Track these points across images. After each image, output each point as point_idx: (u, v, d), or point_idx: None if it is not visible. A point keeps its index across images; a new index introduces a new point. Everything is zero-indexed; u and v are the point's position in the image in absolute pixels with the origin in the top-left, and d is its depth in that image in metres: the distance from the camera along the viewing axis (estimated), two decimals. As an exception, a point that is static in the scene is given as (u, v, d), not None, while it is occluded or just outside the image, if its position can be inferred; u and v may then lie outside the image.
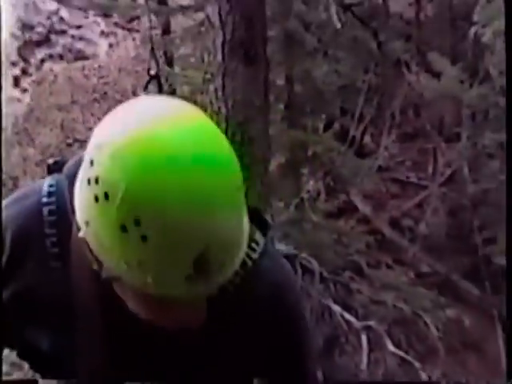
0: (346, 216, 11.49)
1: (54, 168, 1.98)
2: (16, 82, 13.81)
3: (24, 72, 13.89)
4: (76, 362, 2.02)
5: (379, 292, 9.95)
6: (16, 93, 13.72)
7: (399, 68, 11.56)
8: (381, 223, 11.89)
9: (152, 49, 8.85)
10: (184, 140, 1.66)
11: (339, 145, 10.87)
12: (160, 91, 8.93)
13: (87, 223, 1.71)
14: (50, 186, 1.95)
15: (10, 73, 13.90)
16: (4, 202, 2.06)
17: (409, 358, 8.75)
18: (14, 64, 13.94)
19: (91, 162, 1.69)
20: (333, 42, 10.77)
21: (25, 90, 13.63)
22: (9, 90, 13.73)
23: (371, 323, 8.74)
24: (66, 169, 1.99)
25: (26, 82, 13.80)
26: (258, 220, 2.01)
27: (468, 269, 12.49)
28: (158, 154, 1.62)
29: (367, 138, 11.86)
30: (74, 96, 12.86)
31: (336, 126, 11.31)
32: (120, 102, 1.76)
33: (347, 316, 8.51)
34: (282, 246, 8.44)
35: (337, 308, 8.63)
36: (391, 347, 8.61)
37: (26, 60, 13.92)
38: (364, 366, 8.89)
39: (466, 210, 12.17)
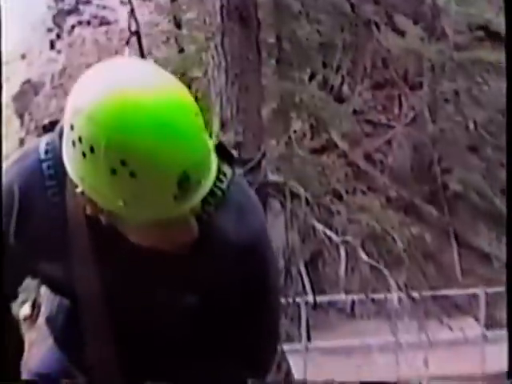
0: (327, 152, 11.53)
1: (49, 128, 1.92)
2: (52, 45, 13.77)
3: (58, 36, 13.86)
4: (87, 293, 2.06)
5: (355, 213, 10.04)
6: (52, 54, 13.67)
7: (370, 28, 11.55)
8: (356, 157, 11.95)
9: (132, 10, 8.61)
10: (145, 88, 1.66)
11: (321, 93, 10.88)
12: (140, 46, 8.78)
13: (82, 179, 1.71)
14: (47, 144, 1.91)
15: (47, 38, 13.86)
16: (7, 163, 2.04)
17: (379, 266, 8.82)
18: (49, 30, 13.90)
19: (71, 127, 1.69)
20: (314, 6, 10.76)
21: (59, 52, 13.59)
22: (46, 52, 13.69)
23: (348, 238, 8.80)
24: (58, 128, 1.93)
25: (59, 45, 13.78)
26: (224, 154, 1.95)
27: (428, 194, 12.57)
28: (128, 104, 1.63)
29: (344, 87, 11.84)
30: (99, 55, 12.81)
31: (318, 77, 11.30)
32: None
33: (328, 233, 8.56)
34: (274, 177, 8.45)
35: (320, 226, 8.68)
36: (365, 257, 8.69)
37: (59, 26, 13.89)
38: (342, 273, 8.99)
39: (426, 146, 12.21)
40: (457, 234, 12.70)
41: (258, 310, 2.16)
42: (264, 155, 6.44)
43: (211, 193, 1.80)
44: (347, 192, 11.11)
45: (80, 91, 1.70)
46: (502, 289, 11.27)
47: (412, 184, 12.35)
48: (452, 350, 10.00)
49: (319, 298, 10.68)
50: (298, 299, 10.13)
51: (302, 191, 8.51)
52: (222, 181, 1.88)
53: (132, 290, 2.01)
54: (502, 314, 12.34)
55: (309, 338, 10.52)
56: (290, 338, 10.54)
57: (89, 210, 1.79)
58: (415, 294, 8.88)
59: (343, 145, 11.79)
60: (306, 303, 10.31)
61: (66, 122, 1.70)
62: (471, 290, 11.79)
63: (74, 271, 1.99)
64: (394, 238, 9.40)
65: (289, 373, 10.72)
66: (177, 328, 2.16)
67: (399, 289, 8.81)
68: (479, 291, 11.35)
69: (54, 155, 1.86)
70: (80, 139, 1.64)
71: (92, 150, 1.62)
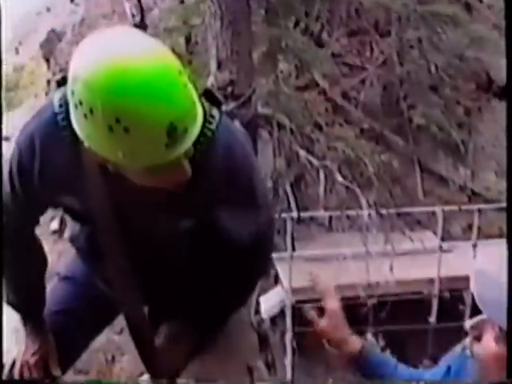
0: (310, 89, 11.38)
1: (62, 82, 1.90)
2: (72, -1, 13.52)
3: (77, -9, 13.57)
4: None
5: (333, 142, 9.95)
6: (72, 7, 13.41)
7: (345, -17, 11.41)
8: (335, 94, 11.83)
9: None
10: (133, 55, 1.69)
11: (304, 38, 10.67)
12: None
13: (87, 137, 1.77)
14: (60, 98, 1.88)
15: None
16: (29, 119, 2.09)
17: (353, 187, 8.73)
18: (69, -14, 13.64)
19: (72, 92, 1.73)
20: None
21: (78, 5, 13.30)
22: (68, 5, 13.48)
23: (327, 163, 8.66)
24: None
25: (78, -1, 13.50)
26: (212, 99, 1.99)
27: (396, 126, 12.48)
28: (118, 70, 1.66)
29: (324, 34, 11.65)
30: (113, 7, 12.56)
31: (301, 24, 11.07)
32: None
33: (310, 158, 8.42)
34: (263, 110, 8.36)
35: (302, 153, 8.54)
36: (340, 179, 8.57)
37: (78, -19, 13.60)
38: (321, 193, 8.91)
39: (394, 85, 12.12)
40: (420, 160, 12.65)
41: (249, 223, 2.22)
42: (254, 91, 6.39)
43: (202, 134, 1.88)
44: (327, 124, 10.98)
45: (77, 60, 1.73)
46: (456, 208, 11.37)
47: (382, 118, 12.24)
48: (413, 258, 10.01)
49: (302, 214, 10.68)
50: (284, 215, 10.12)
51: (287, 122, 8.38)
52: (211, 122, 1.92)
53: (137, 218, 2.10)
54: (456, 229, 12.38)
55: (293, 248, 10.52)
56: (277, 249, 10.52)
57: (98, 159, 1.85)
58: (383, 211, 8.82)
59: (323, 83, 11.63)
60: (291, 218, 10.28)
61: (68, 88, 1.76)
62: (431, 208, 11.78)
63: (89, 205, 2.08)
64: (365, 164, 9.29)
65: (277, 277, 10.77)
66: (178, 247, 2.25)
67: (369, 206, 8.80)
68: (437, 209, 11.31)
69: (67, 108, 1.85)
70: (81, 103, 1.70)
71: (91, 111, 1.68)
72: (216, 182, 2.08)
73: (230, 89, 6.09)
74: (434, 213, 11.61)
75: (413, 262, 10.01)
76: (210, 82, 6.27)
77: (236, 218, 2.21)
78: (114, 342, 8.14)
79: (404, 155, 12.57)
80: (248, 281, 2.47)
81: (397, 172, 12.31)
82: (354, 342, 2.14)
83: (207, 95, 1.97)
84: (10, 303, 2.39)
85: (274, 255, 10.65)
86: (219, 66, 6.24)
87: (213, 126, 1.94)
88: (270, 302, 10.29)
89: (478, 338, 1.75)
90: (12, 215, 2.12)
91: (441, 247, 10.75)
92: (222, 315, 2.50)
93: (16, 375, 2.44)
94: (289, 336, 10.30)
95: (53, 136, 1.96)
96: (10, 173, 2.06)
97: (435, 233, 11.48)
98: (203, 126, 1.90)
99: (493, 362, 1.70)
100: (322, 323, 2.08)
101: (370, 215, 8.55)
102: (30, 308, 2.44)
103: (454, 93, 11.88)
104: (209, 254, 2.32)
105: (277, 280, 10.82)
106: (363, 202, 8.73)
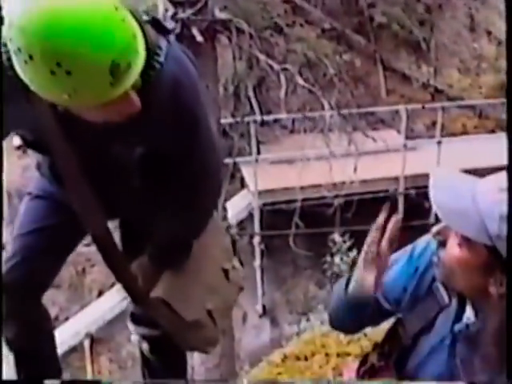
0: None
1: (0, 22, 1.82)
2: None
3: None
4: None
5: (293, 44, 9.81)
6: None
7: None
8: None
9: None
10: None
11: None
12: None
13: (30, 81, 1.73)
14: (3, 37, 1.80)
15: None
16: None
17: (314, 89, 8.67)
18: None
19: (10, 39, 1.68)
20: None
21: None
22: None
23: (288, 66, 8.53)
24: None
25: None
26: (159, 28, 1.98)
27: (357, 25, 12.36)
28: (54, 13, 1.63)
29: None
30: None
31: None
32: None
33: (270, 62, 8.28)
34: (221, 15, 8.17)
35: (262, 57, 8.40)
36: (302, 82, 8.49)
37: None
38: (283, 96, 8.84)
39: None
40: (382, 59, 12.57)
41: (192, 149, 2.20)
42: None
43: (150, 66, 1.89)
44: (287, 25, 10.83)
45: (11, 6, 1.68)
46: (419, 106, 11.38)
47: (343, 17, 12.07)
48: (377, 157, 10.07)
49: (265, 117, 10.64)
50: (247, 119, 10.08)
51: (245, 26, 8.16)
52: (158, 54, 1.92)
53: (92, 148, 2.10)
54: (419, 127, 12.44)
55: (258, 152, 10.54)
56: (242, 153, 10.54)
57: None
58: (345, 111, 8.79)
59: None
60: (255, 122, 10.24)
61: (3, 36, 1.73)
62: (394, 107, 11.78)
63: (42, 138, 2.10)
64: (326, 65, 9.19)
65: (242, 181, 10.83)
66: (135, 171, 2.25)
67: (331, 108, 8.76)
68: (401, 108, 11.32)
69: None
70: (19, 49, 1.66)
71: (31, 57, 1.64)
72: (165, 112, 2.06)
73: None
74: (397, 111, 11.62)
75: (377, 161, 10.06)
76: None
77: (181, 144, 2.20)
78: (83, 254, 8.19)
79: (366, 54, 12.49)
80: (200, 204, 2.46)
81: (359, 71, 12.27)
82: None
83: (155, 24, 1.95)
84: None
85: (240, 159, 10.73)
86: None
87: (161, 58, 1.94)
88: (237, 206, 10.38)
89: (443, 244, 1.77)
90: None
91: (405, 145, 10.81)
92: (184, 238, 2.50)
93: None
94: (257, 239, 10.45)
95: (9, 86, 1.89)
96: None
97: (399, 131, 11.52)
98: (150, 58, 1.89)
99: (456, 265, 1.72)
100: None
101: (331, 116, 8.51)
102: None
103: (415, -12, 11.75)
104: (163, 177, 2.32)
105: (243, 184, 10.88)
106: (325, 103, 8.65)
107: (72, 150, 2.14)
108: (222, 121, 9.90)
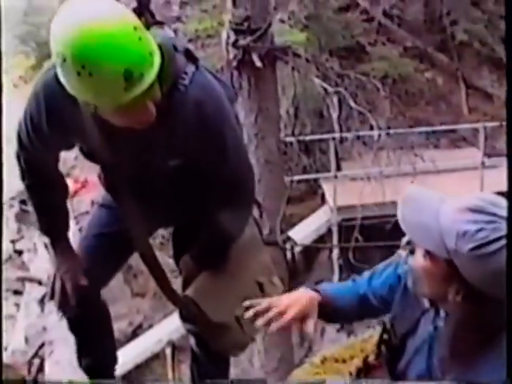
0: (351, 10, 11.26)
1: None
2: None
3: None
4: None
5: (376, 62, 9.92)
6: None
7: None
8: (377, 13, 11.64)
9: None
10: (95, 18, 2.02)
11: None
12: None
13: (66, 82, 2.10)
14: None
15: None
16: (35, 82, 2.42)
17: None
18: None
19: (54, 49, 2.06)
20: None
21: None
22: None
23: (340, 88, 8.33)
24: None
25: None
26: (189, 56, 2.33)
27: (439, 43, 12.29)
28: (84, 28, 1.99)
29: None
30: None
31: None
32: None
33: (325, 85, 8.12)
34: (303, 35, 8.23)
35: (317, 80, 8.25)
36: (353, 104, 8.25)
37: None
38: (335, 118, 8.71)
39: (436, 1, 11.90)
40: (464, 77, 12.46)
41: (222, 162, 2.45)
42: (270, 25, 6.37)
43: (175, 88, 2.26)
44: (370, 44, 10.93)
45: (56, 20, 2.06)
46: (497, 124, 11.22)
47: (425, 35, 12.03)
48: (456, 175, 9.99)
49: (344, 134, 10.59)
50: (326, 136, 10.14)
51: (302, 52, 8.08)
52: (183, 78, 2.27)
53: (130, 159, 2.42)
54: (502, 145, 12.27)
55: (338, 168, 10.55)
56: (323, 169, 10.64)
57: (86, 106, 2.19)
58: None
59: (364, 2, 11.46)
60: (333, 139, 10.19)
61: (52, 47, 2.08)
62: (473, 125, 11.64)
63: (90, 146, 2.44)
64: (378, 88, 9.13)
65: (323, 197, 10.88)
66: (172, 181, 2.52)
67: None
68: (479, 126, 11.19)
69: None
70: (58, 54, 2.04)
71: (64, 60, 2.02)
72: (188, 130, 2.33)
73: (246, 24, 6.12)
74: (478, 129, 11.50)
75: (456, 179, 9.96)
76: (227, 18, 6.27)
77: (211, 158, 2.45)
78: (168, 264, 8.41)
79: (448, 72, 12.40)
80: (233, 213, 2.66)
81: (442, 89, 12.20)
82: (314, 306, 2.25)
83: (186, 53, 2.31)
84: (40, 229, 2.75)
85: (320, 175, 10.81)
86: (234, 3, 6.24)
87: (185, 82, 2.28)
88: (317, 221, 10.44)
89: (412, 252, 1.92)
90: (33, 156, 2.51)
91: (483, 163, 10.69)
92: (222, 241, 2.72)
93: (57, 290, 2.71)
94: (335, 253, 10.46)
95: (54, 92, 2.24)
96: (26, 126, 2.40)
97: (479, 149, 11.40)
98: (176, 81, 2.26)
99: (421, 273, 1.87)
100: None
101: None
102: (56, 231, 2.73)
103: (497, 7, 11.54)
104: (199, 187, 2.57)
105: (323, 200, 10.93)
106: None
107: (116, 163, 2.46)
108: (307, 138, 10.02)
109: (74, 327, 2.89)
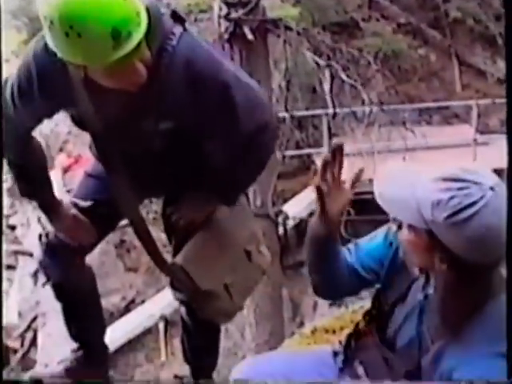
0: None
1: None
2: None
3: None
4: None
5: (369, 38, 9.88)
6: None
7: None
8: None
9: None
10: None
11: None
12: None
13: (55, 46, 2.11)
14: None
15: None
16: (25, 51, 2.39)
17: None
18: None
19: (42, 14, 2.08)
20: None
21: None
22: None
23: (332, 62, 8.27)
24: None
25: None
26: (176, 17, 2.33)
27: (433, 20, 12.28)
28: None
29: None
30: None
31: None
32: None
33: (317, 59, 8.04)
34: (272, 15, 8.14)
35: (309, 54, 8.16)
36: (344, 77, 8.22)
37: None
38: (327, 94, 8.65)
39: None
40: (457, 54, 12.46)
41: (234, 108, 2.37)
42: None
43: (163, 48, 2.26)
44: (363, 20, 10.88)
45: None
46: (489, 101, 11.23)
47: (418, 12, 12.01)
48: (448, 152, 10.00)
49: (338, 110, 10.58)
50: (319, 112, 10.13)
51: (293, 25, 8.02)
52: (171, 39, 2.27)
53: (120, 123, 2.39)
54: (494, 122, 12.28)
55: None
56: (317, 145, 10.66)
57: (74, 70, 2.22)
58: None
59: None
60: (326, 114, 10.08)
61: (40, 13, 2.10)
62: (465, 102, 11.66)
63: (81, 113, 2.42)
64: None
65: (316, 173, 10.86)
66: (161, 146, 2.47)
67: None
68: (472, 103, 11.22)
69: None
70: (45, 18, 2.06)
71: (52, 22, 2.04)
72: (179, 89, 2.31)
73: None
74: (470, 106, 11.53)
75: (447, 156, 9.98)
76: None
77: (219, 109, 2.39)
78: (160, 239, 8.42)
79: (441, 49, 12.40)
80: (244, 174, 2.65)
81: (435, 66, 12.20)
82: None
83: (172, 14, 2.33)
84: (25, 195, 2.73)
85: (312, 151, 10.82)
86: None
87: (173, 42, 2.28)
88: (310, 197, 10.45)
89: (400, 227, 1.97)
90: (13, 125, 2.44)
91: (475, 140, 10.71)
92: (240, 180, 2.69)
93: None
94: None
95: (45, 60, 2.25)
96: (12, 94, 2.38)
97: (471, 126, 11.43)
98: (164, 42, 2.26)
99: (407, 245, 1.93)
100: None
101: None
102: (42, 194, 2.68)
103: (490, -16, 11.57)
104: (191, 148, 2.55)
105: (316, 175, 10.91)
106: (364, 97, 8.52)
107: (106, 129, 2.44)
108: (299, 113, 9.99)
109: (59, 293, 2.88)
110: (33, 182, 2.66)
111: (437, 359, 1.87)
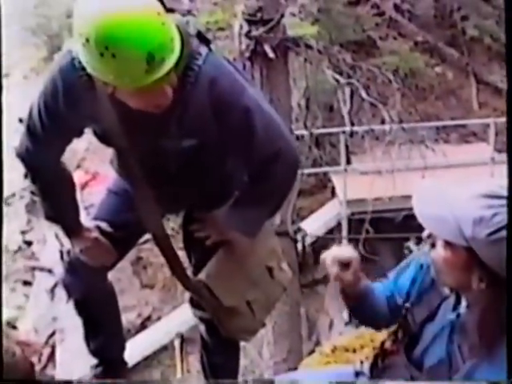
0: (361, 4, 11.23)
1: None
2: None
3: None
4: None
5: (387, 56, 9.88)
6: None
7: None
8: (387, 8, 11.63)
9: None
10: (120, 4, 2.04)
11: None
12: None
13: (86, 63, 2.12)
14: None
15: None
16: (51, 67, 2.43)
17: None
18: None
19: (77, 31, 2.09)
20: None
21: None
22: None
23: (352, 80, 8.28)
24: None
25: None
26: (202, 38, 2.35)
27: (450, 38, 12.29)
28: (110, 13, 2.01)
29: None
30: None
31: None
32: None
33: (337, 76, 8.06)
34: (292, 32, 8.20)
35: (329, 72, 8.18)
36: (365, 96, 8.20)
37: None
38: (346, 112, 8.66)
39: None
40: (474, 72, 12.45)
41: (252, 133, 2.41)
42: (282, 16, 6.38)
43: (189, 68, 2.29)
44: (380, 38, 10.90)
45: (79, 8, 2.08)
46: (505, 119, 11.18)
47: (435, 30, 12.01)
48: (466, 170, 9.97)
49: (355, 128, 10.57)
50: (337, 129, 10.10)
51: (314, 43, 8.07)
52: (197, 59, 2.30)
53: (145, 141, 2.42)
54: (512, 140, 12.23)
55: (348, 162, 10.52)
56: (334, 163, 10.63)
57: (101, 86, 2.21)
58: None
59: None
60: (344, 132, 10.11)
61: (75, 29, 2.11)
62: (483, 120, 11.61)
63: (106, 129, 2.43)
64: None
65: (333, 191, 10.87)
66: (184, 164, 2.50)
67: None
68: (490, 121, 11.17)
69: None
70: (81, 35, 2.06)
71: (87, 40, 2.03)
72: (203, 107, 2.35)
73: (258, 14, 6.12)
74: (488, 124, 11.50)
75: (465, 174, 9.95)
76: (240, 9, 6.29)
77: (235, 137, 2.45)
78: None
79: (458, 67, 12.39)
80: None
81: (452, 84, 12.19)
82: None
83: (198, 35, 2.35)
84: (49, 219, 2.73)
85: (329, 169, 10.79)
86: (247, -7, 6.25)
87: (199, 62, 2.31)
88: (327, 215, 10.45)
89: (433, 245, 1.96)
90: (43, 151, 2.49)
91: (493, 158, 10.67)
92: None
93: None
94: (344, 244, 10.39)
95: (71, 75, 2.29)
96: (39, 111, 2.40)
97: (489, 144, 11.37)
98: (190, 62, 2.29)
99: (442, 264, 1.92)
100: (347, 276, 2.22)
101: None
102: (67, 220, 2.71)
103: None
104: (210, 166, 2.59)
105: (333, 193, 10.92)
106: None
107: (130, 145, 2.45)
108: (317, 131, 9.96)
109: (81, 309, 2.91)
110: (60, 208, 2.68)
111: (468, 378, 1.86)
